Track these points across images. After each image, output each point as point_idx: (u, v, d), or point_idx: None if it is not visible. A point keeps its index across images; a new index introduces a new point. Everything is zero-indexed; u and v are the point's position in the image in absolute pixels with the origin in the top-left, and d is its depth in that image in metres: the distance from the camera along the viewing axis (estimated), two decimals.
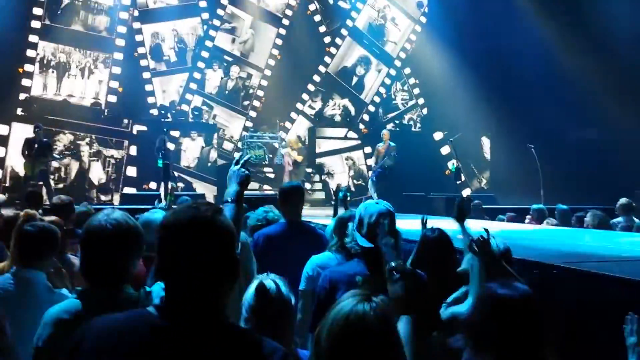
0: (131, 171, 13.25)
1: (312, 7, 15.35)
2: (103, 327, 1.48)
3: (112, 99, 13.33)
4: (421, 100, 16.21)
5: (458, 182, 12.72)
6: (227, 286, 1.53)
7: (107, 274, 2.08)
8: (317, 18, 15.39)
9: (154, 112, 13.65)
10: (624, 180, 10.32)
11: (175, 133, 12.99)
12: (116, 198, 12.70)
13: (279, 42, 14.97)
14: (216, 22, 14.47)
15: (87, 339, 1.47)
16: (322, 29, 15.45)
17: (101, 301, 2.01)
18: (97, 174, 13.19)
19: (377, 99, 16.04)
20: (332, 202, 5.31)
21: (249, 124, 14.72)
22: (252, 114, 14.79)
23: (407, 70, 16.20)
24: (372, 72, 16.05)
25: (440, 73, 14.79)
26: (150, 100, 13.81)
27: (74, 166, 12.93)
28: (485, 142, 15.89)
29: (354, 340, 1.57)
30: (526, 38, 13.25)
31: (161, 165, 11.38)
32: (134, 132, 13.21)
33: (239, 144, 14.25)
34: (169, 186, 10.07)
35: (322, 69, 15.51)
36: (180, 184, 12.82)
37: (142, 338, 1.43)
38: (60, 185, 12.43)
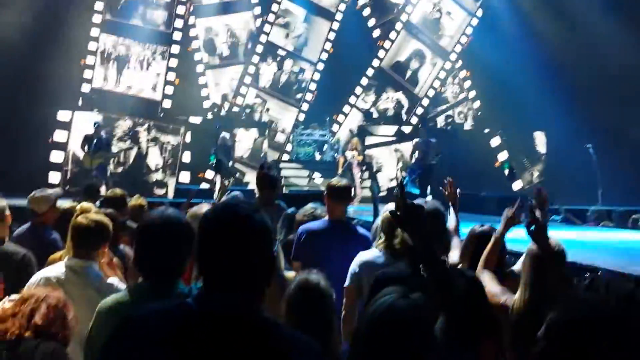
0: (186, 157, 13.58)
1: (361, 1, 15.20)
2: (141, 315, 1.53)
3: (169, 90, 13.68)
4: (472, 94, 15.88)
5: (511, 182, 12.47)
6: (262, 282, 1.55)
7: (159, 268, 2.15)
8: (367, 12, 15.21)
9: (207, 104, 13.95)
10: None
11: (227, 131, 13.14)
12: (170, 190, 13.02)
13: (332, 36, 14.95)
14: (270, 17, 14.58)
15: (126, 327, 1.51)
16: (372, 22, 15.27)
17: (152, 295, 2.08)
18: (154, 159, 13.58)
19: (431, 93, 15.83)
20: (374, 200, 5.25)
21: (302, 117, 14.79)
22: (305, 107, 14.86)
23: (458, 64, 15.87)
24: (427, 66, 15.80)
25: (495, 66, 14.43)
26: (204, 92, 14.09)
27: (133, 151, 13.39)
28: (539, 137, 15.41)
29: (390, 331, 1.65)
30: (584, 36, 12.81)
31: (213, 160, 11.70)
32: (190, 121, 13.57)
33: (290, 139, 14.36)
34: (221, 182, 10.13)
35: (375, 62, 15.41)
36: (231, 179, 12.99)
37: (176, 326, 1.46)
38: (119, 170, 12.93)
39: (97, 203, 4.74)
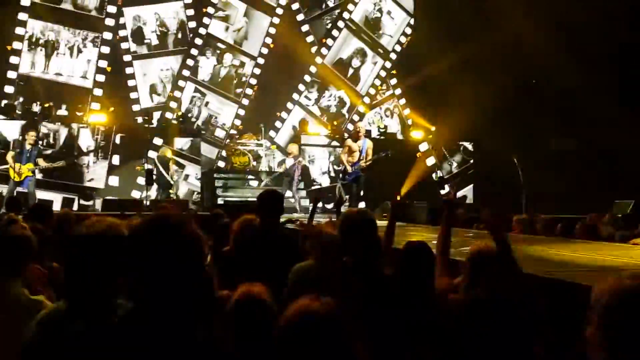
0: (119, 139, 12.94)
1: None
2: (65, 337, 1.53)
3: (101, 78, 13.11)
4: (398, 91, 15.98)
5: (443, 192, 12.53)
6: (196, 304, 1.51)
7: (89, 284, 1.91)
8: (295, 5, 14.96)
9: (134, 95, 13.49)
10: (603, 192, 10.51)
11: (157, 140, 12.83)
12: (98, 203, 12.30)
13: (273, 31, 14.80)
14: (210, 10, 14.32)
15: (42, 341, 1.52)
16: (300, 16, 15.05)
17: (83, 311, 1.86)
18: (85, 141, 12.85)
19: (372, 91, 15.87)
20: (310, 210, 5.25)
21: (241, 111, 14.50)
22: (245, 101, 14.58)
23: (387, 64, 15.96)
24: (368, 65, 15.87)
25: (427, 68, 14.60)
26: (131, 83, 13.56)
27: (63, 132, 12.63)
28: (467, 147, 15.60)
29: (304, 334, 1.69)
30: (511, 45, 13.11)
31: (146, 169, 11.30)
32: (117, 141, 12.84)
33: (223, 153, 13.95)
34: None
35: (318, 59, 15.35)
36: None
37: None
38: (49, 151, 12.12)
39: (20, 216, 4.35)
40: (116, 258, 1.86)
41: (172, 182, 12.35)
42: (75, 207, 11.91)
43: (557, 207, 9.52)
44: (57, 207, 10.83)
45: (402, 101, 16.01)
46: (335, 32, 15.47)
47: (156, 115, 13.38)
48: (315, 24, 15.21)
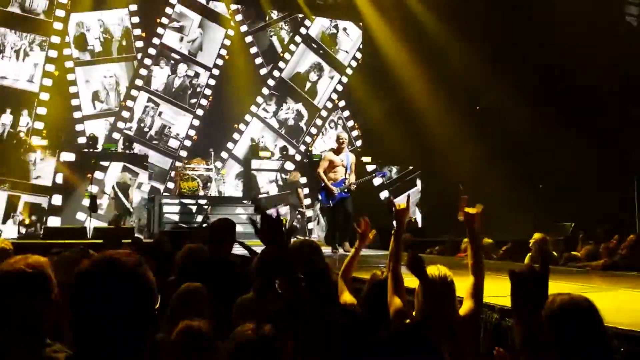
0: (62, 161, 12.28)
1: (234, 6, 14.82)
2: None
3: (48, 82, 12.62)
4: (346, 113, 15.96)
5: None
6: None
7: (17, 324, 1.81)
8: (239, 17, 14.87)
9: (75, 102, 12.99)
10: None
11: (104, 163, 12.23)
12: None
13: (228, 42, 14.74)
14: (164, 20, 14.20)
15: None
16: (244, 28, 14.97)
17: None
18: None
19: (329, 105, 15.84)
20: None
21: (196, 122, 14.20)
22: (199, 112, 14.30)
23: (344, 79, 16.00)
24: (325, 79, 15.90)
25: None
26: (72, 89, 13.06)
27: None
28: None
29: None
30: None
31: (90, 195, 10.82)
32: (61, 159, 12.22)
33: (172, 174, 13.47)
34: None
35: (276, 73, 15.30)
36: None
37: None
38: None
39: None
40: (38, 299, 1.80)
41: (131, 210, 11.79)
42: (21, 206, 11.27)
43: (500, 230, 9.45)
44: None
45: (346, 113, 15.97)
46: (292, 47, 15.55)
47: (101, 139, 12.90)
48: (258, 36, 15.16)
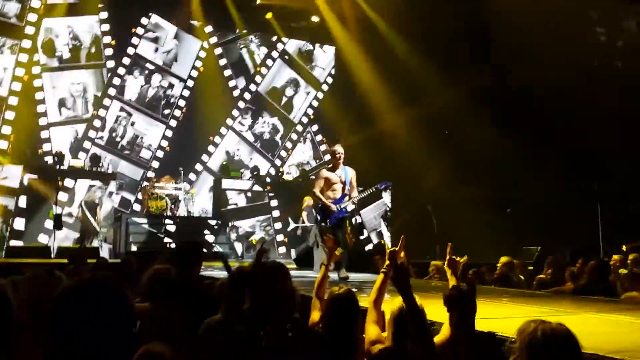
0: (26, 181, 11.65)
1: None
2: None
3: (17, 87, 12.36)
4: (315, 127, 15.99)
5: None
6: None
7: None
8: (209, 29, 14.74)
9: (41, 109, 12.71)
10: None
11: (69, 183, 11.84)
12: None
13: (203, 54, 14.68)
14: (139, 30, 14.08)
15: None
16: (213, 39, 14.83)
17: None
18: None
19: (304, 120, 15.86)
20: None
21: (169, 132, 14.06)
22: (173, 122, 14.16)
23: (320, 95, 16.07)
24: (301, 94, 15.93)
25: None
26: (39, 96, 12.77)
27: None
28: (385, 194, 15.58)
29: None
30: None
31: (55, 214, 10.54)
32: (25, 182, 11.56)
33: (139, 195, 13.24)
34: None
35: (252, 87, 15.27)
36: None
37: None
38: None
39: None
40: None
41: (98, 229, 11.56)
42: None
43: (467, 253, 9.51)
44: None
45: (315, 127, 15.99)
46: (269, 62, 15.55)
47: (67, 146, 12.70)
48: (227, 48, 15.11)
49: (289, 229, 13.72)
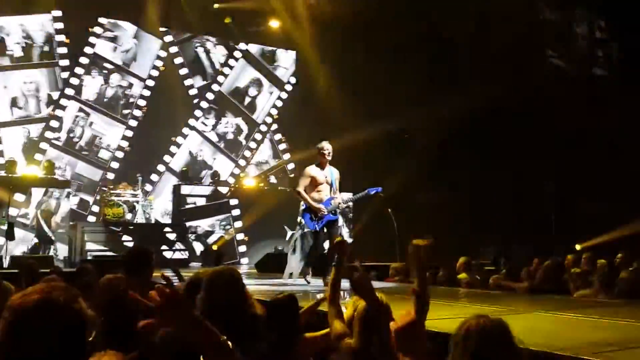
0: None
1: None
2: None
3: None
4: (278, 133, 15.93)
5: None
6: None
7: None
8: (168, 38, 14.66)
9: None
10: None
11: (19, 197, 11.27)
12: None
13: (163, 54, 14.45)
14: (97, 30, 13.78)
15: None
16: (168, 38, 14.81)
17: None
18: None
19: (268, 120, 15.77)
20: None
21: (129, 133, 13.81)
22: (132, 123, 13.90)
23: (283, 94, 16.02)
24: (264, 94, 15.83)
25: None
26: None
27: None
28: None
29: None
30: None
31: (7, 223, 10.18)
32: None
33: (98, 199, 12.92)
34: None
35: (215, 87, 15.11)
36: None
37: None
38: None
39: None
40: None
41: (52, 238, 11.21)
42: None
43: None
44: None
45: (275, 126, 15.91)
46: (232, 61, 15.41)
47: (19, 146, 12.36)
48: (183, 47, 14.88)
49: (286, 239, 13.32)
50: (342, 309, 3.02)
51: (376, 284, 3.16)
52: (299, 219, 9.94)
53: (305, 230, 7.46)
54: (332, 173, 7.26)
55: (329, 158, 7.18)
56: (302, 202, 7.29)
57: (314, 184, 7.13)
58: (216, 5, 14.29)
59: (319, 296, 3.41)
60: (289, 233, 12.93)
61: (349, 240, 14.81)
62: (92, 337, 1.52)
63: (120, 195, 12.33)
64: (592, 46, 13.72)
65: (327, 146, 7.21)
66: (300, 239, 7.69)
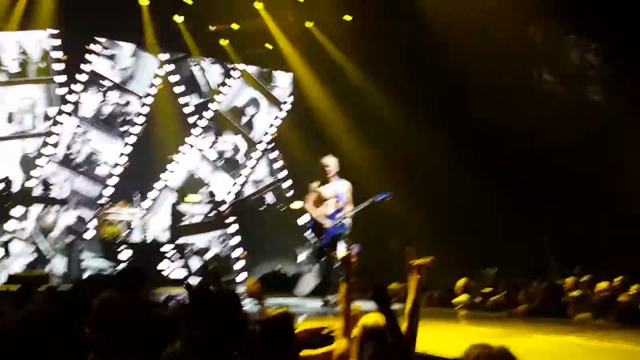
0: None
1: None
2: None
3: None
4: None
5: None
6: None
7: None
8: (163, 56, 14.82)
9: None
10: None
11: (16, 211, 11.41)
12: None
13: (161, 72, 14.50)
14: (95, 48, 13.81)
15: None
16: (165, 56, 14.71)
17: None
18: None
19: (266, 138, 15.79)
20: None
21: (127, 149, 13.79)
22: (130, 140, 13.87)
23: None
24: (262, 114, 15.87)
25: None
26: None
27: None
28: None
29: None
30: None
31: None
32: None
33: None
34: None
35: (213, 105, 15.12)
36: None
37: None
38: None
39: None
40: None
41: (49, 255, 11.15)
42: None
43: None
44: None
45: (272, 144, 15.87)
46: (229, 80, 15.46)
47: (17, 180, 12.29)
48: (179, 65, 14.92)
49: (298, 261, 13.10)
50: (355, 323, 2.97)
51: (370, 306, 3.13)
52: (305, 234, 9.90)
53: (313, 243, 7.35)
54: (339, 186, 7.21)
55: (331, 173, 7.16)
56: (308, 218, 7.32)
57: (319, 200, 7.17)
58: (212, 28, 14.38)
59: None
60: (300, 256, 12.88)
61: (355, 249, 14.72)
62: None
63: (117, 214, 12.30)
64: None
65: (327, 162, 7.22)
66: (310, 256, 7.97)
